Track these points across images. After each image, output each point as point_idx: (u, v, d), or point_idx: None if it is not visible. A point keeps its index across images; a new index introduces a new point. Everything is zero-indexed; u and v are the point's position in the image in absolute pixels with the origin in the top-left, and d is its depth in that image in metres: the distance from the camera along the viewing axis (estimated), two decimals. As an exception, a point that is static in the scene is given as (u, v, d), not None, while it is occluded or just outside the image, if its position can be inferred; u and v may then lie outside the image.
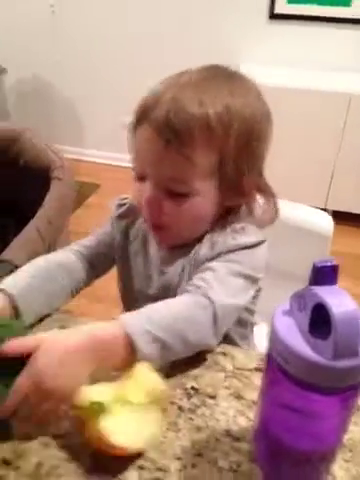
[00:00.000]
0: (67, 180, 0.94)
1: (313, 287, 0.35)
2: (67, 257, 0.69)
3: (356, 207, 2.17)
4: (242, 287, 0.58)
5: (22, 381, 0.45)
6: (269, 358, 0.38)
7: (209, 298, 0.54)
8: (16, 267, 0.67)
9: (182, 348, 0.52)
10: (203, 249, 0.62)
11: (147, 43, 2.44)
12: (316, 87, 2.00)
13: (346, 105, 1.96)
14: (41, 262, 0.65)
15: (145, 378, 0.47)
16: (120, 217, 0.72)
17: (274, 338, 0.36)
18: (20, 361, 0.47)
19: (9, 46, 2.57)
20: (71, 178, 0.97)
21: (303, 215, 0.90)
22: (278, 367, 0.36)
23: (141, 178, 0.61)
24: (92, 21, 2.46)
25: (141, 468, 0.45)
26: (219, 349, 0.59)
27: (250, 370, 0.56)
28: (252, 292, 0.61)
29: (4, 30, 2.56)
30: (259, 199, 0.65)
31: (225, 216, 0.63)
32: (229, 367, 0.56)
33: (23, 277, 0.62)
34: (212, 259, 0.60)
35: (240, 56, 2.32)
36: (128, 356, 0.48)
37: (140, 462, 0.46)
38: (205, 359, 0.57)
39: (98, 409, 0.44)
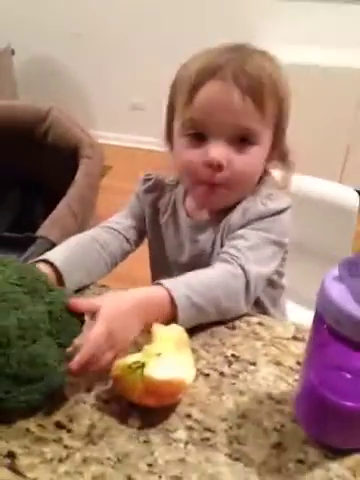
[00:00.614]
0: (97, 158, 0.95)
1: (366, 253, 0.37)
2: (101, 233, 0.72)
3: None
4: (272, 254, 0.62)
5: (98, 332, 0.48)
6: (319, 323, 0.40)
7: (243, 268, 0.58)
8: (52, 244, 0.69)
9: (215, 313, 0.57)
10: (234, 216, 0.65)
11: (158, 24, 2.41)
12: (331, 64, 1.97)
13: (361, 81, 1.93)
14: (78, 238, 0.69)
15: (165, 332, 0.51)
16: (147, 191, 0.75)
17: (326, 302, 0.38)
18: (77, 321, 0.50)
19: (18, 27, 2.55)
20: (100, 156, 0.97)
21: (328, 191, 0.91)
22: (329, 330, 0.38)
23: (198, 140, 0.62)
24: (103, 3, 2.42)
25: (190, 428, 0.47)
26: (255, 319, 0.61)
27: (287, 339, 0.58)
28: (280, 256, 0.65)
29: (13, 11, 2.53)
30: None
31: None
32: (267, 336, 0.58)
33: (63, 250, 0.65)
34: (243, 226, 0.63)
35: (254, 34, 2.27)
36: (170, 317, 0.54)
37: (188, 423, 0.48)
38: (242, 329, 0.59)
39: (138, 366, 0.47)
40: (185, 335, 0.52)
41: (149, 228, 0.76)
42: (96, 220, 1.05)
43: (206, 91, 0.60)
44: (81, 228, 0.79)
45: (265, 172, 0.68)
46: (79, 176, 0.91)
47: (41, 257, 0.62)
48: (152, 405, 0.48)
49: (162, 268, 0.77)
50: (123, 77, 2.61)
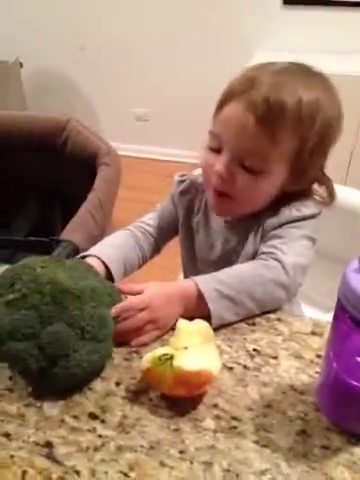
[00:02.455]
0: (114, 165, 0.98)
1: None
2: (135, 232, 0.77)
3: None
4: (307, 247, 0.65)
5: (138, 298, 0.56)
6: (341, 313, 0.42)
7: (278, 259, 0.61)
8: (76, 247, 0.72)
9: (252, 305, 0.60)
10: (268, 219, 0.67)
11: (162, 36, 2.46)
12: (333, 71, 2.00)
13: (365, 88, 1.97)
14: (120, 236, 0.75)
15: (190, 327, 0.54)
16: (182, 193, 0.78)
17: (349, 293, 0.40)
18: None
19: (26, 41, 2.61)
20: (118, 163, 1.01)
21: (338, 194, 0.93)
22: (352, 319, 0.41)
23: (216, 150, 0.65)
24: (106, 15, 2.47)
25: (218, 417, 0.50)
26: (274, 316, 0.63)
27: (306, 334, 0.60)
28: (313, 252, 0.67)
29: (20, 24, 2.59)
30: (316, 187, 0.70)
31: (284, 199, 0.68)
32: (286, 331, 0.60)
33: (110, 247, 0.71)
34: (277, 227, 0.66)
35: (254, 43, 2.33)
36: (202, 309, 0.58)
37: (216, 412, 0.50)
38: (262, 325, 0.62)
39: (167, 359, 0.49)
40: (210, 329, 0.54)
41: (181, 228, 0.79)
42: (111, 226, 1.08)
43: (228, 110, 0.63)
44: (101, 233, 0.82)
45: (302, 193, 0.68)
46: (98, 182, 0.95)
47: (92, 252, 0.68)
48: (181, 395, 0.50)
49: (192, 266, 0.80)
50: (127, 89, 2.66)
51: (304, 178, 0.66)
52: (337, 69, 2.06)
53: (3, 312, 0.51)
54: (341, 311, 0.42)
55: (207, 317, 0.58)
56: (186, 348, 0.51)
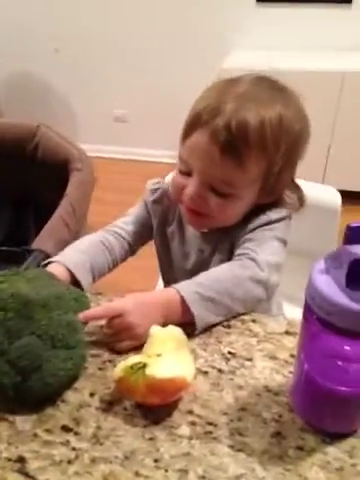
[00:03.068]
0: (87, 171, 0.97)
1: (349, 246, 0.39)
2: (106, 236, 0.76)
3: (353, 185, 2.21)
4: (278, 247, 0.66)
5: (115, 304, 0.56)
6: (309, 314, 0.42)
7: (252, 259, 0.62)
8: (47, 255, 0.71)
9: (232, 304, 0.60)
10: (239, 230, 0.68)
11: (139, 37, 2.45)
12: (308, 68, 2.03)
13: (339, 84, 1.99)
14: (87, 240, 0.74)
15: (163, 333, 0.53)
16: (155, 202, 0.78)
17: (315, 295, 0.40)
18: None
19: (2, 40, 2.57)
20: (90, 168, 1.00)
21: (310, 191, 0.94)
22: (319, 320, 0.41)
23: (186, 173, 0.65)
24: (86, 14, 2.45)
25: (193, 423, 0.49)
26: (249, 317, 0.63)
27: (280, 334, 0.60)
28: (285, 252, 0.68)
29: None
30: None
31: (257, 209, 0.68)
32: (261, 332, 0.60)
33: (75, 253, 0.70)
34: (248, 233, 0.67)
35: (229, 42, 2.34)
36: (185, 314, 0.58)
37: (191, 418, 0.50)
38: (237, 327, 0.61)
39: (140, 367, 0.49)
40: (183, 335, 0.54)
41: (156, 237, 0.79)
42: (87, 231, 1.07)
43: (194, 139, 0.63)
44: (74, 239, 0.81)
45: (274, 203, 0.69)
46: (70, 189, 0.94)
47: (56, 259, 0.67)
48: (155, 403, 0.50)
49: (170, 274, 0.81)
50: (105, 90, 2.64)
51: (275, 192, 0.68)
52: (312, 66, 2.09)
53: None
54: (309, 312, 0.42)
55: (191, 323, 0.58)
56: (159, 355, 0.50)
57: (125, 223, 0.79)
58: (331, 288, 0.40)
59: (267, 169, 0.63)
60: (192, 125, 0.63)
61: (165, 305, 0.58)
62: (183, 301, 0.58)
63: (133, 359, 0.50)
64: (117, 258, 0.76)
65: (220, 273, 0.62)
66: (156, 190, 0.78)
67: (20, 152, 1.06)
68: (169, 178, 0.79)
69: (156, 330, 0.53)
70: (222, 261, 0.70)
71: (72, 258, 0.68)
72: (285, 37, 2.27)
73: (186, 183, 0.65)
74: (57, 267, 0.65)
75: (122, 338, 0.57)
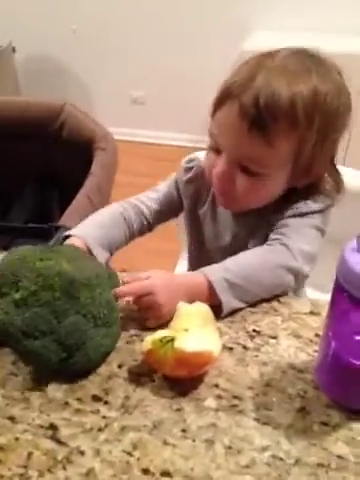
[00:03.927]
0: (111, 150, 0.98)
1: (382, 224, 0.39)
2: (128, 209, 0.75)
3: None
4: (315, 236, 0.64)
5: (141, 282, 0.56)
6: (339, 292, 0.43)
7: (285, 245, 0.61)
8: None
9: (259, 291, 0.60)
10: (275, 216, 0.67)
11: (157, 17, 2.41)
12: (331, 50, 1.97)
13: (362, 67, 1.95)
14: (108, 213, 0.73)
15: (190, 309, 0.54)
16: (189, 182, 0.76)
17: (348, 272, 0.41)
18: None
19: (18, 23, 2.56)
20: (114, 148, 1.00)
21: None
22: (350, 298, 0.41)
23: (217, 150, 0.64)
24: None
25: (219, 397, 0.51)
26: (273, 297, 0.63)
27: (305, 313, 0.61)
28: (321, 243, 0.66)
29: (13, 7, 2.54)
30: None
31: (293, 193, 0.66)
32: (285, 312, 0.61)
33: (95, 228, 0.70)
34: (285, 219, 0.65)
35: (250, 23, 2.29)
36: (212, 299, 0.58)
37: (217, 391, 0.51)
38: (262, 306, 0.62)
39: (168, 340, 0.50)
40: (210, 312, 0.55)
41: (187, 217, 0.78)
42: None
43: (223, 113, 0.61)
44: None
45: (310, 187, 0.67)
46: (95, 167, 0.94)
47: (75, 233, 0.67)
48: (183, 376, 0.51)
49: (200, 253, 0.80)
50: (123, 71, 2.62)
51: (311, 173, 0.64)
52: (335, 48, 2.04)
53: (13, 312, 0.51)
54: (339, 290, 0.43)
55: (217, 306, 0.58)
56: (186, 330, 0.51)
57: (150, 200, 0.77)
58: (364, 266, 0.40)
59: (299, 147, 0.60)
60: (222, 98, 0.61)
61: (192, 288, 0.58)
62: (211, 286, 0.58)
63: (161, 333, 0.51)
64: (135, 233, 0.75)
65: (250, 258, 0.61)
66: (190, 169, 0.76)
67: (45, 131, 1.07)
68: (203, 154, 0.76)
69: (183, 306, 0.54)
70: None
71: (91, 233, 0.68)
72: (306, 19, 2.22)
73: (216, 162, 0.64)
74: (76, 241, 0.66)
75: (147, 315, 0.58)
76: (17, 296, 0.51)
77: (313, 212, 0.65)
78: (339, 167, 0.70)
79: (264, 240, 0.67)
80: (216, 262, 0.74)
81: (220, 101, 0.61)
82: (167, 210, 0.79)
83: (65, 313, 0.50)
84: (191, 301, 0.56)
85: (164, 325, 0.57)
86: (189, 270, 0.86)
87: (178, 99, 2.56)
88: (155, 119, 2.69)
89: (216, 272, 0.59)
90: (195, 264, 0.81)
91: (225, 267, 0.60)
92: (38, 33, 2.61)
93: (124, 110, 2.74)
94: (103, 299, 0.52)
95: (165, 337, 0.50)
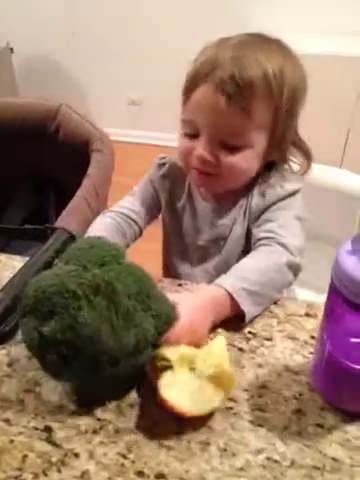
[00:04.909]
0: (107, 152, 0.98)
1: (377, 227, 0.40)
2: (118, 221, 0.75)
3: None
4: (300, 228, 0.66)
5: (180, 325, 0.51)
6: (335, 295, 0.43)
7: (281, 244, 0.61)
8: (71, 234, 0.71)
9: (273, 293, 0.60)
10: (254, 200, 0.68)
11: (155, 19, 2.42)
12: (329, 51, 1.99)
13: (360, 69, 1.95)
14: (100, 227, 0.72)
15: (217, 350, 0.51)
16: (164, 177, 0.77)
17: (343, 276, 0.41)
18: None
19: (16, 24, 2.56)
20: (111, 149, 1.00)
21: (333, 177, 0.94)
22: (345, 301, 0.41)
23: (193, 135, 0.65)
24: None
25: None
26: (269, 299, 0.64)
27: (300, 316, 0.61)
28: (304, 231, 0.67)
29: (11, 8, 2.54)
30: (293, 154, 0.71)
31: (266, 170, 0.69)
32: (281, 314, 0.61)
33: (98, 231, 0.70)
34: (266, 209, 0.67)
35: (247, 26, 2.29)
36: (233, 310, 0.57)
37: (212, 394, 0.51)
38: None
39: (164, 364, 0.48)
40: (230, 371, 0.49)
41: (165, 212, 0.78)
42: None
43: (197, 95, 0.63)
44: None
45: (282, 159, 0.70)
46: (92, 169, 0.94)
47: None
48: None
49: (177, 251, 0.80)
50: (120, 73, 2.62)
51: (283, 145, 0.68)
52: (333, 49, 2.05)
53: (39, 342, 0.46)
54: (334, 292, 0.43)
55: (238, 315, 0.58)
56: (193, 369, 0.48)
57: (133, 204, 0.78)
58: (358, 269, 0.40)
59: (274, 116, 0.63)
60: (193, 82, 0.63)
61: (216, 303, 0.57)
62: (231, 298, 0.57)
63: (172, 350, 0.49)
64: (129, 242, 0.76)
65: (259, 262, 0.61)
66: (163, 165, 0.77)
67: (41, 132, 1.07)
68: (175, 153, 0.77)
69: (217, 342, 0.52)
70: (241, 236, 0.70)
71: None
72: (306, 20, 2.22)
73: (193, 146, 0.65)
74: None
75: (186, 344, 0.52)
76: (44, 330, 0.45)
77: (290, 194, 0.66)
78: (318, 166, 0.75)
79: (245, 231, 0.69)
80: (194, 259, 0.75)
81: (191, 85, 0.63)
82: (151, 210, 0.79)
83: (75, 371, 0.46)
84: (216, 316, 0.56)
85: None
86: (164, 269, 0.85)
87: (175, 100, 2.56)
88: (152, 120, 2.70)
89: (233, 283, 0.58)
90: (171, 261, 0.80)
91: (240, 276, 0.59)
92: (36, 34, 2.61)
93: (121, 111, 2.74)
94: (135, 365, 0.48)
95: (165, 359, 0.48)
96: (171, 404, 0.46)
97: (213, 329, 0.58)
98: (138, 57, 2.55)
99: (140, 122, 2.72)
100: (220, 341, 0.52)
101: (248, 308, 0.57)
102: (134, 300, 0.47)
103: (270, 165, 0.70)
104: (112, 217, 0.75)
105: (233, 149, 0.64)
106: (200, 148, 0.64)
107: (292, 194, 0.67)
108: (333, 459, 0.45)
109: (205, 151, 0.64)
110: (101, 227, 0.73)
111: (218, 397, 0.47)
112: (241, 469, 0.44)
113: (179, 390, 0.47)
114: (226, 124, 0.62)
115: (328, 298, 0.45)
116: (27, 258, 0.66)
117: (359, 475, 0.44)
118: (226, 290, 0.57)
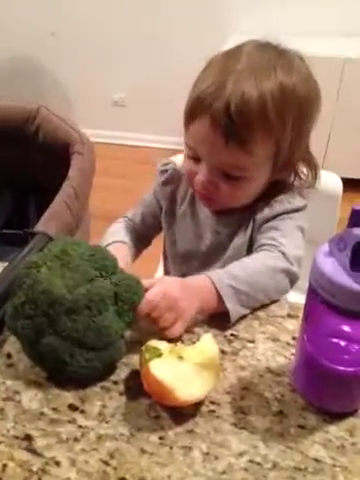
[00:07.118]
0: (88, 154, 0.97)
1: (353, 229, 0.40)
2: (128, 234, 0.76)
3: (352, 172, 2.21)
4: (301, 238, 0.66)
5: (153, 291, 0.52)
6: (313, 296, 0.43)
7: (281, 252, 0.61)
8: (51, 238, 0.70)
9: (263, 297, 0.60)
10: (259, 212, 0.68)
11: (137, 20, 2.41)
12: (309, 53, 2.00)
13: (340, 70, 1.98)
14: (115, 227, 0.77)
15: (205, 346, 0.51)
16: (165, 184, 0.77)
17: (320, 277, 0.41)
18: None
19: (-2, 25, 2.53)
20: (91, 151, 1.00)
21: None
22: (323, 302, 0.41)
23: (195, 158, 0.65)
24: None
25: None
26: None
27: (282, 317, 0.61)
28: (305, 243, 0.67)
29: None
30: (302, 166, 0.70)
31: (274, 185, 0.68)
32: (263, 315, 0.61)
33: (110, 234, 0.73)
34: (270, 219, 0.66)
35: (230, 26, 2.31)
36: (219, 305, 0.57)
37: (195, 398, 0.51)
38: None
39: (154, 353, 0.49)
40: (217, 361, 0.50)
41: (165, 219, 0.78)
42: (88, 215, 1.07)
43: (196, 126, 0.61)
44: (77, 223, 0.81)
45: (289, 176, 0.69)
46: (72, 172, 0.93)
47: (116, 239, 0.72)
48: (150, 395, 0.49)
49: (177, 256, 0.79)
50: (103, 74, 2.61)
51: (290, 165, 0.67)
52: (312, 51, 2.06)
53: (13, 316, 0.52)
54: (313, 293, 0.43)
55: (222, 316, 0.58)
56: (181, 358, 0.49)
57: (135, 215, 0.79)
58: (335, 270, 0.40)
59: (276, 147, 0.61)
60: (193, 110, 0.61)
61: (199, 289, 0.57)
62: (217, 293, 0.57)
63: (160, 343, 0.50)
64: (134, 252, 0.77)
65: (254, 265, 0.60)
66: (166, 171, 0.77)
67: (20, 135, 1.05)
68: (179, 157, 0.78)
69: (204, 339, 0.52)
70: (243, 245, 0.69)
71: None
72: (285, 22, 2.24)
73: (197, 169, 0.65)
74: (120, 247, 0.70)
75: (168, 317, 0.53)
76: (16, 301, 0.51)
77: (297, 210, 0.66)
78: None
79: (248, 240, 0.69)
80: (195, 266, 0.74)
81: (192, 113, 0.62)
82: (155, 220, 0.80)
83: (43, 332, 0.50)
84: (202, 303, 0.55)
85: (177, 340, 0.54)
86: (164, 274, 0.85)
87: (159, 102, 2.56)
88: (136, 121, 2.69)
89: (221, 279, 0.57)
90: (171, 267, 0.81)
91: (231, 273, 0.58)
92: (17, 35, 2.58)
93: (105, 112, 2.73)
94: (93, 323, 0.49)
95: (155, 348, 0.49)
96: (160, 379, 0.46)
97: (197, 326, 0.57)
98: (121, 58, 2.54)
99: (124, 123, 2.71)
100: (208, 338, 0.52)
101: (233, 307, 0.57)
102: (87, 261, 0.52)
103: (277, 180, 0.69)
104: (124, 230, 0.77)
105: (235, 178, 0.63)
106: (200, 175, 0.64)
107: (298, 210, 0.67)
108: (315, 460, 0.45)
109: (205, 178, 0.64)
110: (113, 230, 0.75)
111: (207, 386, 0.48)
112: (223, 473, 0.44)
113: (168, 369, 0.47)
114: (225, 159, 0.61)
115: (307, 299, 0.45)
116: (6, 263, 0.64)
117: (341, 475, 0.44)
118: (213, 283, 0.57)
